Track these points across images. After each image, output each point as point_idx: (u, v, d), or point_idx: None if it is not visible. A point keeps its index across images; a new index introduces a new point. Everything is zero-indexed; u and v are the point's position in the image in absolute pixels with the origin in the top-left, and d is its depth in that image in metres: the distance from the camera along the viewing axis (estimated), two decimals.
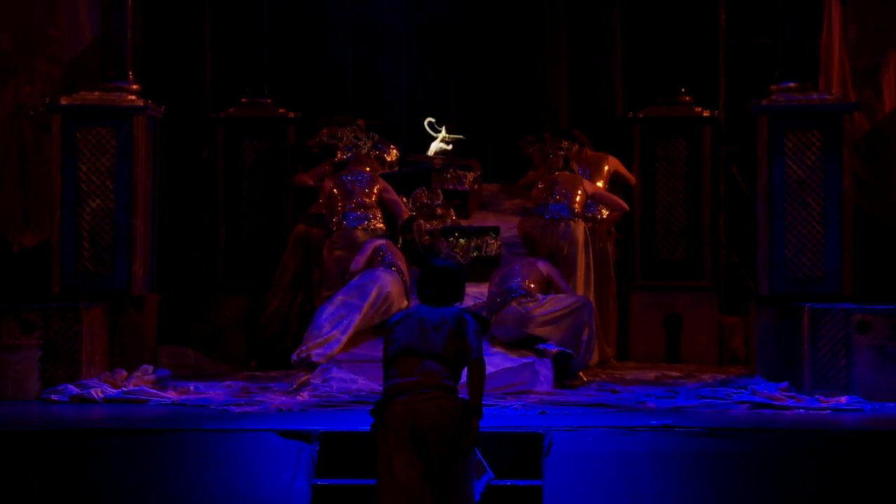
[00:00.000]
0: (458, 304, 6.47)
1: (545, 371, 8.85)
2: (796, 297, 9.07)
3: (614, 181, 11.10)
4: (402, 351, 6.12)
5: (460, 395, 6.04)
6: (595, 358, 9.87)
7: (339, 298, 9.41)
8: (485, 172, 11.39)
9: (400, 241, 10.27)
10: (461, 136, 11.65)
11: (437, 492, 5.95)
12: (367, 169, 10.54)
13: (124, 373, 9.02)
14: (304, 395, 8.42)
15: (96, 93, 9.49)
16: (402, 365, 6.10)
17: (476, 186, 11.13)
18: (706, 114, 11.23)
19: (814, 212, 9.25)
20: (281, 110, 11.27)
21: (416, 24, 12.20)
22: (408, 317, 6.23)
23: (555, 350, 9.02)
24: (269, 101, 11.32)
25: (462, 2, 12.17)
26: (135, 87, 9.56)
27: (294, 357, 9.22)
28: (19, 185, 9.97)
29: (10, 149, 9.85)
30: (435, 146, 11.51)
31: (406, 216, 10.43)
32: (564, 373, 9.02)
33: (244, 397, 8.49)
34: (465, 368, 6.06)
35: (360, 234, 10.13)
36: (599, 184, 10.79)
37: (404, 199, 10.60)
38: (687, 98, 11.31)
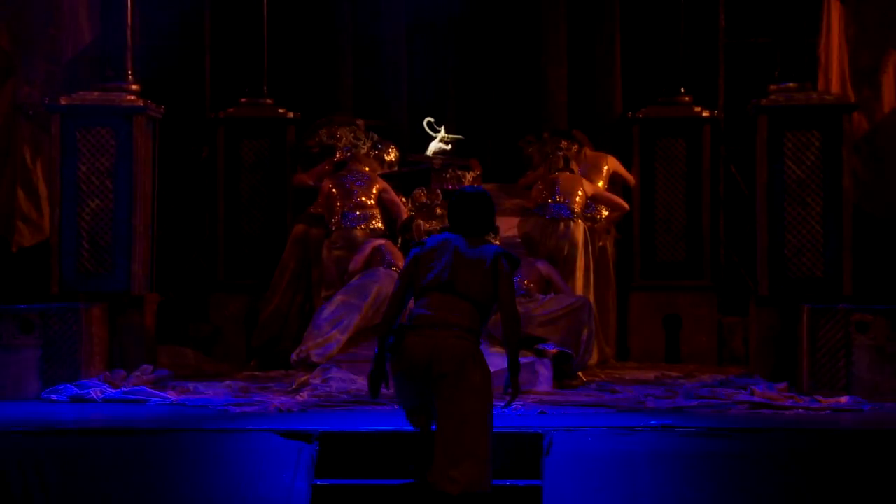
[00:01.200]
0: (491, 235, 6.50)
1: (544, 371, 8.85)
2: (796, 296, 9.07)
3: (614, 181, 11.10)
4: (437, 285, 6.17)
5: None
6: (594, 358, 9.87)
7: (338, 298, 9.41)
8: (484, 172, 11.37)
9: (399, 240, 10.27)
10: (460, 136, 11.63)
11: (446, 430, 6.04)
12: (367, 169, 10.54)
13: (124, 373, 9.03)
14: (304, 395, 8.42)
15: (96, 93, 9.49)
16: (433, 298, 6.17)
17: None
18: (706, 114, 11.24)
19: (813, 212, 9.25)
20: (280, 110, 11.27)
21: (415, 25, 12.21)
22: (444, 247, 6.25)
23: (554, 350, 9.02)
24: (268, 101, 11.32)
25: (462, 2, 12.17)
26: (134, 86, 9.56)
27: (293, 357, 9.23)
28: (18, 185, 9.96)
29: (10, 149, 9.84)
30: (434, 146, 11.50)
31: (405, 216, 10.42)
32: (564, 373, 9.02)
33: (244, 397, 8.49)
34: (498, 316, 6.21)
35: (359, 233, 10.14)
36: (599, 184, 10.80)
37: (403, 199, 10.60)
38: (686, 98, 11.32)
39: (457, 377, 6.06)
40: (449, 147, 11.50)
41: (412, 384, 6.20)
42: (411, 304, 6.36)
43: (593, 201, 10.58)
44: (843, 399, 8.20)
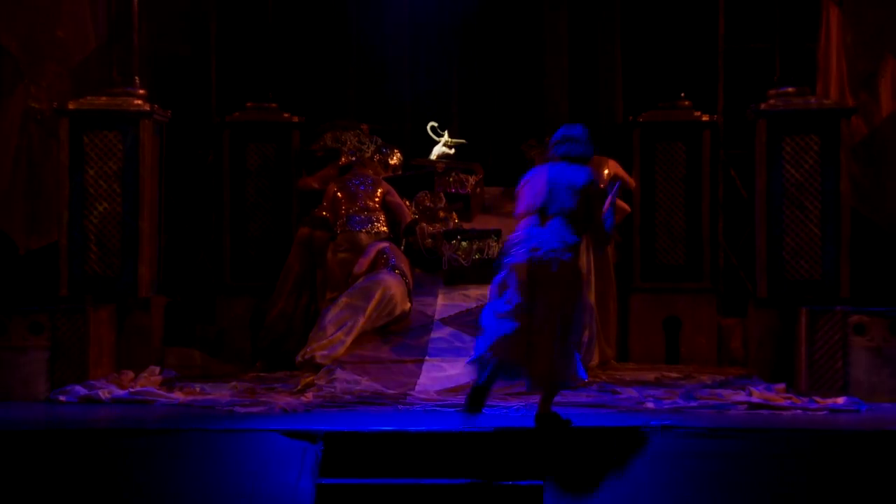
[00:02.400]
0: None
1: None
2: (794, 298, 9.08)
3: (614, 184, 11.09)
4: (533, 209, 7.21)
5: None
6: (595, 359, 9.89)
7: (343, 300, 9.43)
8: (487, 176, 11.40)
9: (403, 243, 10.30)
10: (463, 141, 11.66)
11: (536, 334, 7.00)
12: (371, 173, 10.56)
13: (131, 374, 9.05)
14: (309, 396, 8.44)
15: (103, 97, 9.51)
16: (532, 220, 7.19)
17: (478, 190, 11.14)
18: (705, 118, 11.22)
19: (811, 215, 9.26)
20: (285, 115, 11.28)
21: (419, 31, 12.23)
22: (536, 177, 7.34)
23: None
24: (273, 105, 11.33)
25: (465, 9, 12.19)
26: (141, 91, 9.59)
27: (299, 358, 9.25)
28: (28, 188, 9.98)
29: (20, 153, 9.86)
30: (437, 150, 11.53)
31: (409, 219, 10.45)
32: None
33: (249, 398, 8.50)
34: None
35: (363, 236, 10.15)
36: (600, 187, 10.79)
37: (407, 203, 10.62)
38: (686, 103, 11.30)
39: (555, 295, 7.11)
40: (452, 151, 11.53)
41: None
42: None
43: None
44: (841, 400, 8.21)
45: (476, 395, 7.04)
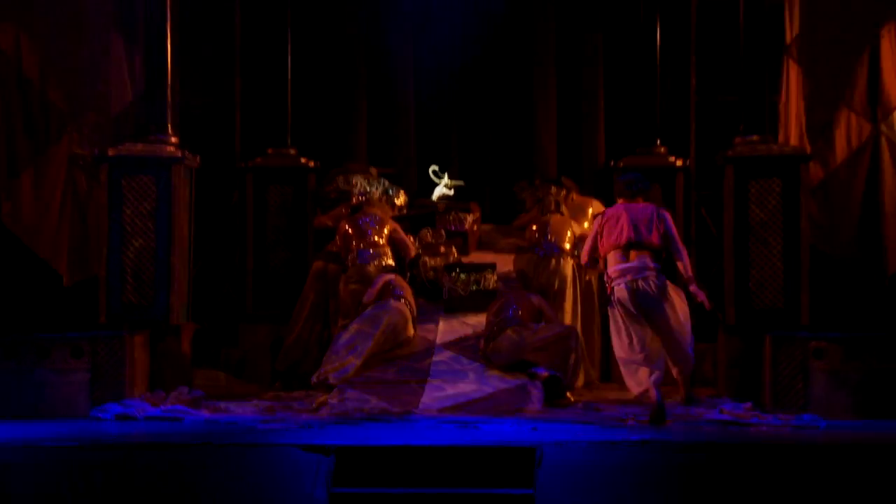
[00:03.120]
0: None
1: (537, 392, 8.86)
2: (759, 326, 9.09)
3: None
4: (626, 243, 8.32)
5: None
6: (581, 380, 9.88)
7: (353, 327, 9.43)
8: (483, 214, 11.42)
9: (408, 275, 10.31)
10: (462, 182, 11.70)
11: (664, 340, 8.28)
12: (379, 212, 10.59)
13: (163, 393, 9.04)
14: (323, 413, 8.44)
15: (139, 145, 9.54)
16: (625, 253, 8.33)
17: (475, 227, 11.16)
18: (679, 163, 11.22)
19: (774, 250, 9.28)
20: (302, 160, 11.30)
21: (423, 85, 12.28)
22: (617, 216, 8.41)
23: (545, 373, 9.03)
24: (292, 151, 11.35)
25: (464, 66, 12.25)
26: (173, 139, 9.62)
27: (314, 379, 9.24)
28: (72, 226, 10.00)
29: (66, 195, 9.89)
30: (439, 191, 11.57)
31: (413, 254, 10.47)
32: (554, 393, 9.02)
33: (270, 415, 8.50)
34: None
35: (372, 269, 10.17)
36: (585, 225, 10.82)
37: (411, 239, 10.64)
38: (662, 149, 11.31)
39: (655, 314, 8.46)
40: (451, 192, 11.56)
41: None
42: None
43: (580, 240, 10.61)
44: (803, 417, 8.21)
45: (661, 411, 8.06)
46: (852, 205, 10.18)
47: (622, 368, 8.46)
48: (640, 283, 8.29)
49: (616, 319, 8.40)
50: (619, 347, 8.42)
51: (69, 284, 9.98)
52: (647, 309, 8.28)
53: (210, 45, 11.27)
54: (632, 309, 8.29)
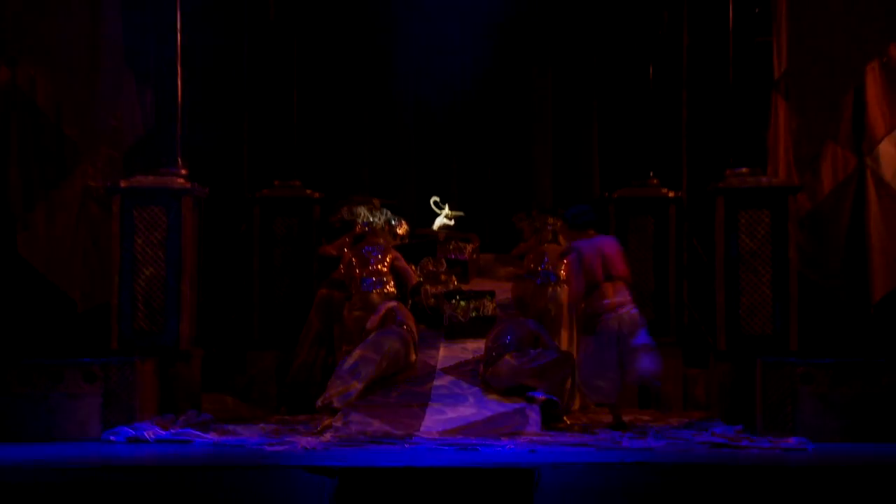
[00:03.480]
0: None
1: (534, 415, 8.85)
2: (749, 351, 9.11)
3: None
4: (604, 279, 8.80)
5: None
6: (577, 404, 9.88)
7: (357, 353, 9.43)
8: (482, 244, 11.46)
9: (409, 303, 10.33)
10: (461, 213, 11.75)
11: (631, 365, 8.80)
12: (382, 241, 10.62)
13: (172, 417, 9.05)
14: (328, 436, 8.44)
15: (150, 177, 9.58)
16: (605, 289, 8.83)
17: (475, 256, 11.20)
18: (671, 194, 11.25)
19: (763, 278, 9.31)
20: (308, 192, 11.35)
21: (424, 120, 12.35)
22: (587, 250, 8.86)
23: (542, 397, 9.04)
24: (297, 183, 11.40)
25: (464, 102, 12.32)
26: (183, 171, 9.67)
27: (318, 403, 9.22)
28: (85, 255, 10.05)
29: (79, 225, 9.93)
30: (439, 221, 11.62)
31: (415, 282, 10.50)
32: (551, 417, 9.01)
33: (276, 438, 8.49)
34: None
35: (375, 297, 10.19)
36: None
37: (413, 267, 10.67)
38: (655, 181, 11.33)
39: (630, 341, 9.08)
40: (452, 222, 11.61)
41: None
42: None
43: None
44: (791, 440, 8.19)
45: None
46: (839, 234, 10.23)
47: (584, 386, 9.13)
48: (626, 315, 8.87)
49: (600, 346, 8.89)
50: (592, 368, 9.00)
51: (82, 311, 10.01)
52: (622, 339, 8.89)
53: (219, 81, 11.35)
54: (614, 340, 8.83)
